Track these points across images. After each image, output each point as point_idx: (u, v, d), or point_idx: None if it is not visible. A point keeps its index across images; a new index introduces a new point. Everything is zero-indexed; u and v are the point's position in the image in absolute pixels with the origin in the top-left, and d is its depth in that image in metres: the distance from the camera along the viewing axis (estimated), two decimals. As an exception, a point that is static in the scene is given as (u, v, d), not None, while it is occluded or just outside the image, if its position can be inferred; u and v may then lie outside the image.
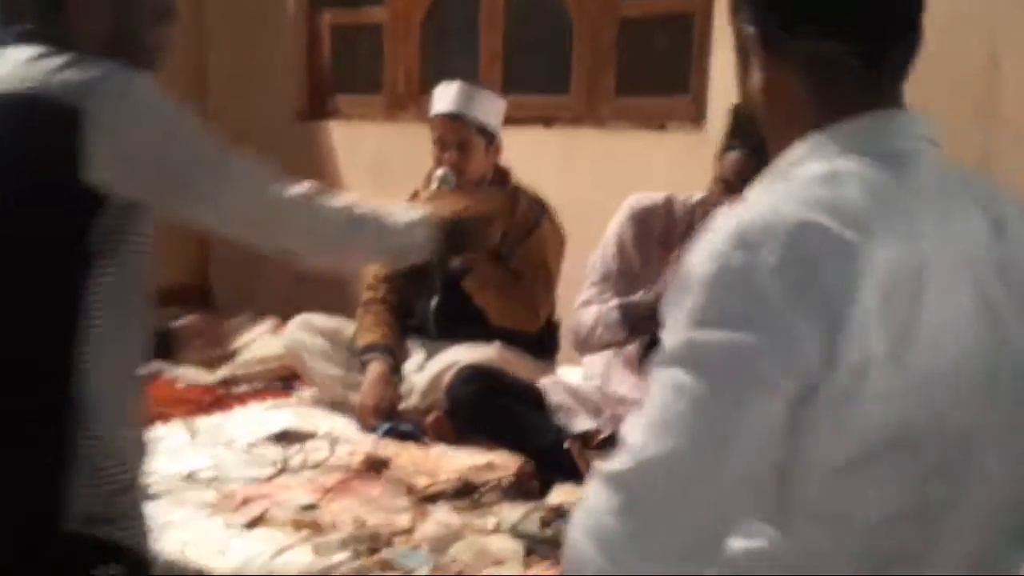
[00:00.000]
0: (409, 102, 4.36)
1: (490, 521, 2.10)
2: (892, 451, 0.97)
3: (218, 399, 2.95)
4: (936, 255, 0.98)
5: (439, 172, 2.82)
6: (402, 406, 2.71)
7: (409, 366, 2.83)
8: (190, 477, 2.30)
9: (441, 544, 1.98)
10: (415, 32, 4.38)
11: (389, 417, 2.65)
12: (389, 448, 2.50)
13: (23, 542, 1.36)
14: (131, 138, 1.35)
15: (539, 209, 2.90)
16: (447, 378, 2.61)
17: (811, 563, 1.01)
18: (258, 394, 3.04)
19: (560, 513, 2.04)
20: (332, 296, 3.66)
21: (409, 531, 2.04)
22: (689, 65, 3.75)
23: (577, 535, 0.98)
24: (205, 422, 2.71)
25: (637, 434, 0.96)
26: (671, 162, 3.49)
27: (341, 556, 1.91)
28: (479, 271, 2.74)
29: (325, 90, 4.66)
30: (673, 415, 0.94)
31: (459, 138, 2.82)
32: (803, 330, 0.92)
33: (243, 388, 3.08)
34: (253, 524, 2.05)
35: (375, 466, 2.37)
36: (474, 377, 2.49)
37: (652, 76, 3.88)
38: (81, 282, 1.36)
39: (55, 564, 1.37)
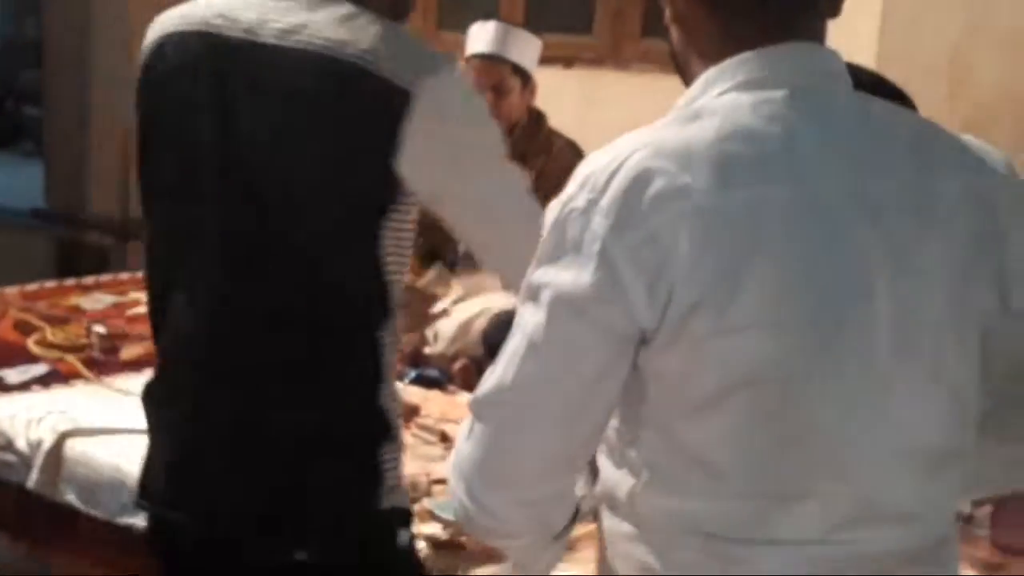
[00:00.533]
0: (427, 36, 4.27)
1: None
2: (740, 391, 0.98)
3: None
4: (793, 196, 0.97)
5: None
6: (428, 350, 2.68)
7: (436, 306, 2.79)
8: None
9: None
10: (434, -37, 4.28)
11: (415, 363, 2.61)
12: (416, 395, 2.47)
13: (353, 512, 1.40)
14: (445, 137, 1.31)
15: (573, 155, 2.82)
16: (477, 325, 2.58)
17: (684, 511, 1.03)
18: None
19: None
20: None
21: (446, 480, 2.01)
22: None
23: (449, 465, 1.10)
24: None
25: (495, 365, 1.05)
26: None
27: (380, 506, 1.89)
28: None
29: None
30: (515, 348, 1.03)
31: (495, 80, 2.78)
32: (629, 274, 0.95)
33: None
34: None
35: (406, 413, 2.33)
36: (511, 324, 2.44)
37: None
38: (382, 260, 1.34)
39: (373, 533, 1.41)
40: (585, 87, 3.83)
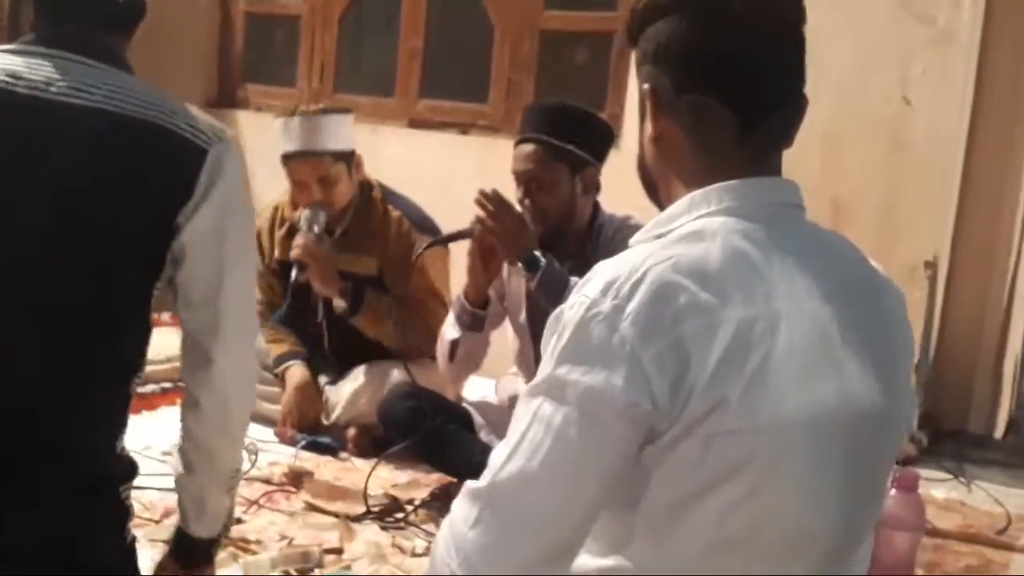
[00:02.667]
0: (323, 98, 4.30)
1: (418, 544, 2.11)
2: (732, 479, 1.06)
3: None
4: (787, 313, 1.07)
5: (306, 213, 2.71)
6: (324, 421, 2.70)
7: (322, 379, 2.81)
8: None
9: (372, 565, 1.99)
10: (333, 26, 4.33)
11: (311, 429, 2.63)
12: (309, 461, 2.49)
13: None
14: (221, 199, 1.42)
15: (408, 234, 2.77)
16: (368, 394, 2.61)
17: None
18: (167, 395, 2.97)
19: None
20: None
21: (339, 551, 2.04)
22: (607, 82, 3.81)
23: (439, 544, 1.10)
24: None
25: (498, 456, 1.08)
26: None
27: (272, 576, 1.90)
28: (368, 309, 2.68)
29: (236, 79, 4.57)
30: (530, 440, 1.06)
31: (318, 174, 2.72)
32: (655, 376, 1.02)
33: (150, 388, 3.00)
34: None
35: (297, 480, 2.35)
36: (409, 394, 2.48)
37: (571, 90, 3.92)
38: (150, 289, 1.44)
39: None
40: (481, 153, 3.92)
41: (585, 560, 1.15)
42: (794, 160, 3.14)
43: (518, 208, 2.29)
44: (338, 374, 2.81)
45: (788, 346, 1.06)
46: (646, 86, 1.17)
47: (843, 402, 1.10)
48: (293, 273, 2.62)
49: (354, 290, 2.68)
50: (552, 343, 1.08)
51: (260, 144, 4.42)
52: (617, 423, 1.03)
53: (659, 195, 1.22)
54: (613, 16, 3.78)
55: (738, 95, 1.13)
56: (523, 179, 2.35)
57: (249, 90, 4.55)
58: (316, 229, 2.68)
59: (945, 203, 2.97)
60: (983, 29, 2.95)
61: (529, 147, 2.34)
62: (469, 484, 1.10)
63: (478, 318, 2.35)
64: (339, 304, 2.68)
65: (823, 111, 3.00)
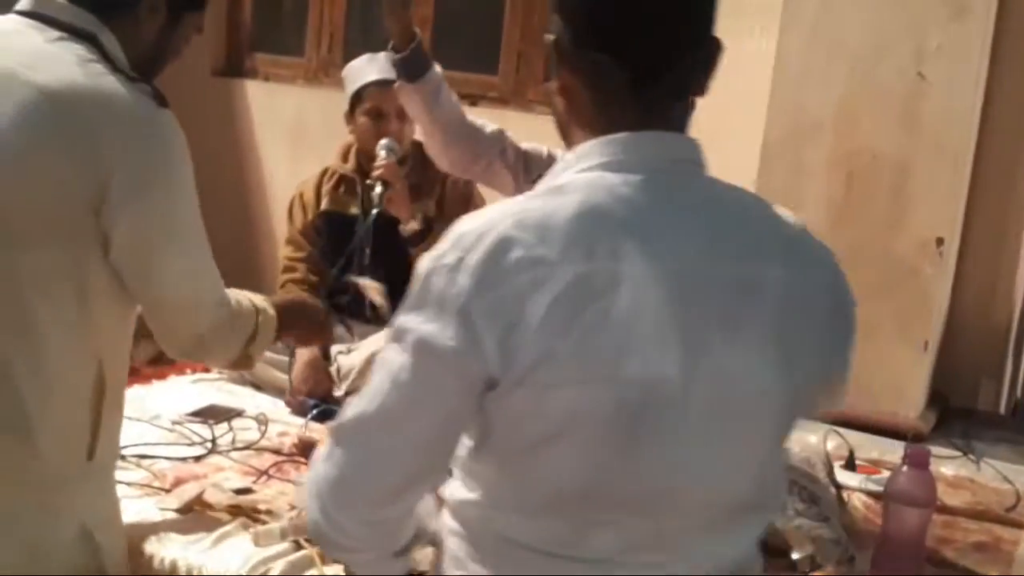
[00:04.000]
0: (331, 67, 4.29)
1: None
2: (573, 431, 1.12)
3: (134, 370, 2.86)
4: (638, 271, 1.10)
5: (385, 141, 2.82)
6: (336, 392, 2.69)
7: (335, 348, 2.81)
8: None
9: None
10: (342, -4, 4.30)
11: (322, 399, 2.63)
12: (317, 431, 2.49)
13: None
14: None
15: (465, 184, 2.95)
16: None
17: (509, 524, 1.19)
18: (176, 366, 2.97)
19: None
20: (244, 274, 3.62)
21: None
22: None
23: (306, 480, 1.24)
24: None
25: (359, 397, 1.19)
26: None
27: (282, 546, 1.90)
28: (433, 239, 2.71)
29: (244, 48, 4.55)
30: (375, 383, 1.17)
31: (398, 105, 2.76)
32: (484, 328, 1.08)
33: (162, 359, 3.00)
34: (188, 509, 2.01)
35: (307, 450, 2.35)
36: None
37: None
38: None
39: None
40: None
41: (455, 491, 1.25)
42: (808, 133, 3.13)
43: None
44: (362, 332, 2.83)
45: (633, 304, 1.09)
46: (550, 37, 1.21)
47: (702, 365, 1.11)
48: (376, 191, 2.73)
49: (424, 219, 2.81)
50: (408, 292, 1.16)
51: (269, 114, 4.43)
52: (447, 371, 1.11)
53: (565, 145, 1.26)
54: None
55: (627, 51, 1.15)
56: None
57: (257, 59, 4.52)
58: (393, 157, 2.77)
59: (958, 180, 2.95)
60: (999, 5, 2.92)
61: None
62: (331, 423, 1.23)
63: (408, 62, 2.30)
64: (410, 227, 2.78)
65: (838, 86, 2.98)
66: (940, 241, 2.92)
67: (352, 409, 1.20)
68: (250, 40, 4.55)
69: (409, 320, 1.14)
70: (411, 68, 2.33)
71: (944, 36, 2.89)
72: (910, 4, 2.91)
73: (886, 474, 2.32)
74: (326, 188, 3.06)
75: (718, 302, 1.13)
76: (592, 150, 1.17)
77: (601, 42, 1.16)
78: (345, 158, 3.07)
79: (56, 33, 1.55)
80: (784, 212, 1.26)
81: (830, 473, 2.20)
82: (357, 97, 2.95)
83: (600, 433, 1.11)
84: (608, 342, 1.08)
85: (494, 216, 1.13)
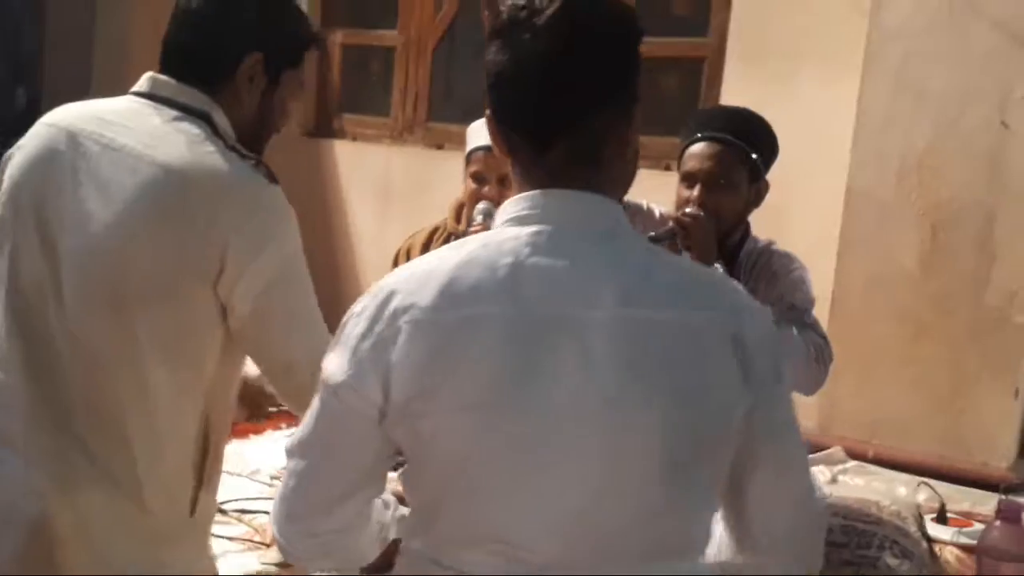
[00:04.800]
0: (416, 126, 4.41)
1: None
2: (439, 463, 1.24)
3: (232, 425, 2.94)
4: (504, 314, 1.19)
5: (482, 206, 2.88)
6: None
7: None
8: (217, 510, 2.31)
9: None
10: (427, 57, 4.43)
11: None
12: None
13: None
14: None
15: None
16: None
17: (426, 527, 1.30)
18: (271, 420, 3.05)
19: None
20: (331, 327, 3.71)
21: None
22: (696, 107, 3.82)
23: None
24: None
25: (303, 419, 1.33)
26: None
27: (378, 597, 1.95)
28: None
29: (333, 109, 4.70)
30: (312, 409, 1.31)
31: (500, 172, 2.84)
32: (368, 365, 1.23)
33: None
34: (288, 563, 2.07)
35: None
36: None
37: (662, 117, 3.95)
38: None
39: None
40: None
41: (404, 509, 1.41)
42: (892, 182, 3.12)
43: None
44: None
45: (490, 347, 1.19)
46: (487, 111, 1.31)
47: (556, 407, 1.19)
48: None
49: None
50: None
51: (357, 173, 4.56)
52: (345, 402, 1.26)
53: None
54: (704, 42, 3.80)
55: (520, 125, 1.26)
56: (704, 177, 2.30)
57: (345, 120, 4.67)
58: (490, 224, 2.82)
59: (1046, 228, 2.92)
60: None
61: (714, 146, 2.30)
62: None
63: None
64: None
65: (923, 137, 2.99)
66: (1030, 290, 2.89)
67: (295, 432, 1.35)
68: (339, 101, 4.70)
69: (326, 358, 1.29)
70: None
71: (1028, 85, 2.88)
72: (994, 53, 2.91)
73: (979, 527, 2.29)
74: (435, 245, 3.13)
75: (584, 344, 1.18)
76: (505, 208, 1.28)
77: (502, 117, 1.28)
78: (457, 217, 3.14)
79: (172, 113, 1.65)
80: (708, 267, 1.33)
81: (921, 526, 2.19)
82: (468, 159, 3.04)
83: (462, 462, 1.22)
84: (468, 381, 1.19)
85: (398, 270, 1.29)
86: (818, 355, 2.29)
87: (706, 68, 3.79)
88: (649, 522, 1.24)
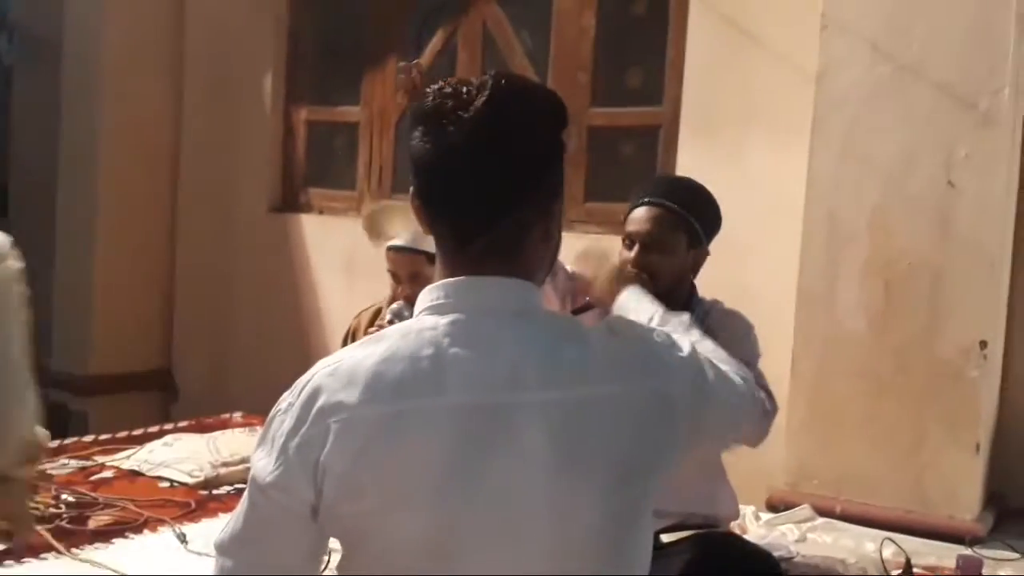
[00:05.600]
0: (381, 198, 4.46)
1: None
2: (378, 555, 1.24)
3: (201, 503, 2.94)
4: (428, 407, 1.21)
5: (395, 306, 2.95)
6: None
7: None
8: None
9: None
10: (390, 131, 4.51)
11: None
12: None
13: None
14: None
15: None
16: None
17: None
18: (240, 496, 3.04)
19: None
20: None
21: None
22: (654, 173, 3.91)
23: None
24: (193, 529, 2.69)
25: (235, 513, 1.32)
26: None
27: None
28: None
29: (299, 184, 4.76)
30: (238, 507, 1.31)
31: (411, 270, 2.91)
32: (296, 463, 1.22)
33: (224, 490, 3.06)
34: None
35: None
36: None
37: (621, 184, 4.03)
38: None
39: None
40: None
41: None
42: (843, 243, 3.18)
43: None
44: None
45: (420, 439, 1.20)
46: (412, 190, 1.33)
47: (485, 490, 1.20)
48: None
49: None
50: None
51: (323, 246, 4.61)
52: (273, 499, 1.24)
53: None
54: (658, 111, 3.90)
55: (441, 221, 1.29)
56: (642, 239, 2.37)
57: (311, 194, 4.72)
58: (397, 322, 2.86)
59: (996, 283, 3.00)
60: (1024, 110, 3.01)
61: (655, 210, 2.37)
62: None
63: None
64: None
65: (871, 198, 3.07)
66: (984, 344, 2.95)
67: (225, 527, 1.33)
68: (304, 176, 4.76)
69: (253, 455, 1.29)
70: None
71: (972, 145, 2.97)
72: (937, 115, 3.01)
73: (942, 582, 2.32)
74: (379, 323, 3.17)
75: (514, 431, 1.21)
76: (425, 295, 1.29)
77: (425, 201, 1.29)
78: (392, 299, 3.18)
79: None
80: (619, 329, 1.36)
81: (885, 583, 2.22)
82: (386, 255, 3.10)
83: (402, 559, 1.22)
84: (399, 477, 1.19)
85: (318, 366, 1.27)
86: (763, 409, 2.35)
87: (662, 136, 3.89)
88: None
